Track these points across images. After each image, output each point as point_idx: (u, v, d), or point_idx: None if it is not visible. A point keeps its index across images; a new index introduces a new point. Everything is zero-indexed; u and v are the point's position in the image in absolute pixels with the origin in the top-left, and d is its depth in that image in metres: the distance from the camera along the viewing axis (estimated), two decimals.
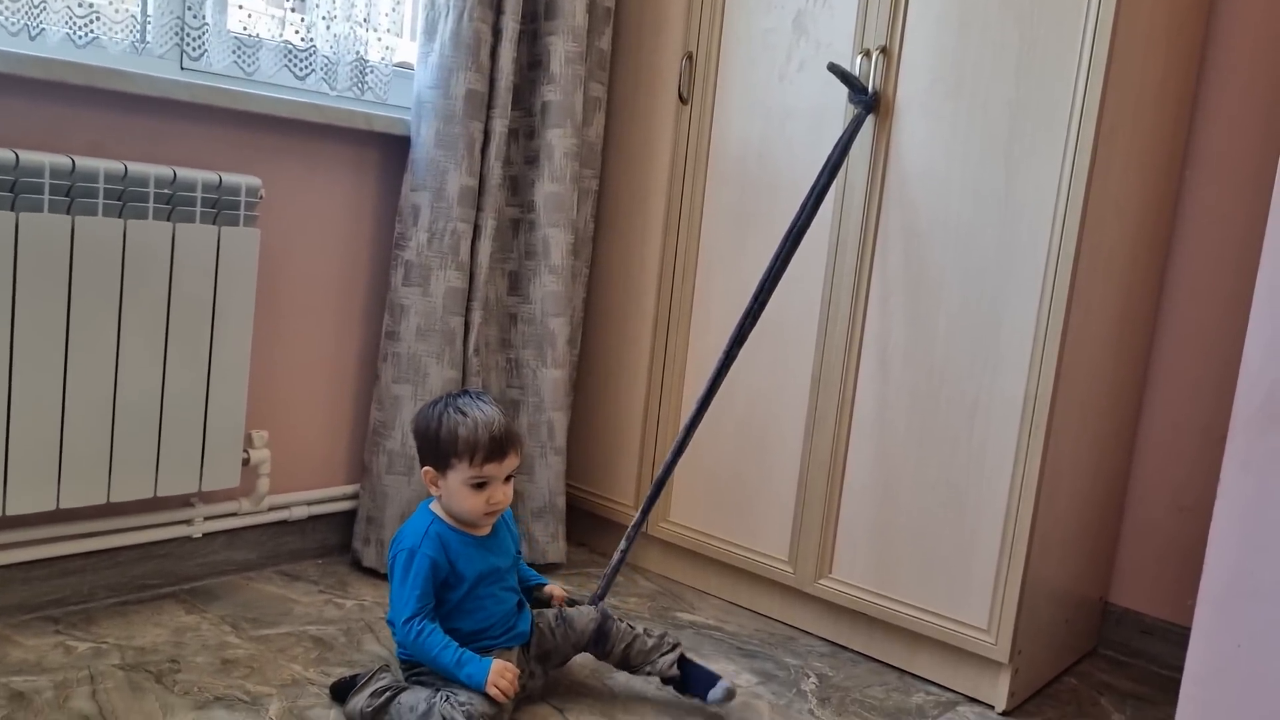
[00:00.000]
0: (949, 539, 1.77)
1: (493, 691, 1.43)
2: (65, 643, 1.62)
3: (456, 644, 1.46)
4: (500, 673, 1.44)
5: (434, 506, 1.56)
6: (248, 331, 1.78)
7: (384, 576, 2.02)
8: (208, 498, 1.89)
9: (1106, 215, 1.69)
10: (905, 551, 1.82)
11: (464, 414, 1.51)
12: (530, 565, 1.78)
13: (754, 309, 1.79)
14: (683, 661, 1.60)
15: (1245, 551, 1.37)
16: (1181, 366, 1.99)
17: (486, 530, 1.56)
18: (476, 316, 2.04)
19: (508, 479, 1.53)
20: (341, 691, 1.52)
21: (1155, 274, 1.97)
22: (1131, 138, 1.71)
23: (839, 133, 1.85)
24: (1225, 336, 1.92)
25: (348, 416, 2.09)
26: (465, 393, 1.57)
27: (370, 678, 1.50)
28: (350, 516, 2.11)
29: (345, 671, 1.60)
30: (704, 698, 1.57)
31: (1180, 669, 1.45)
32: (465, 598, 1.52)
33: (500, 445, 1.50)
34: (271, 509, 1.98)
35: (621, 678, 1.69)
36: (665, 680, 1.60)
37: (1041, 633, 1.81)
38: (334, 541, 2.11)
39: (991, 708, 1.75)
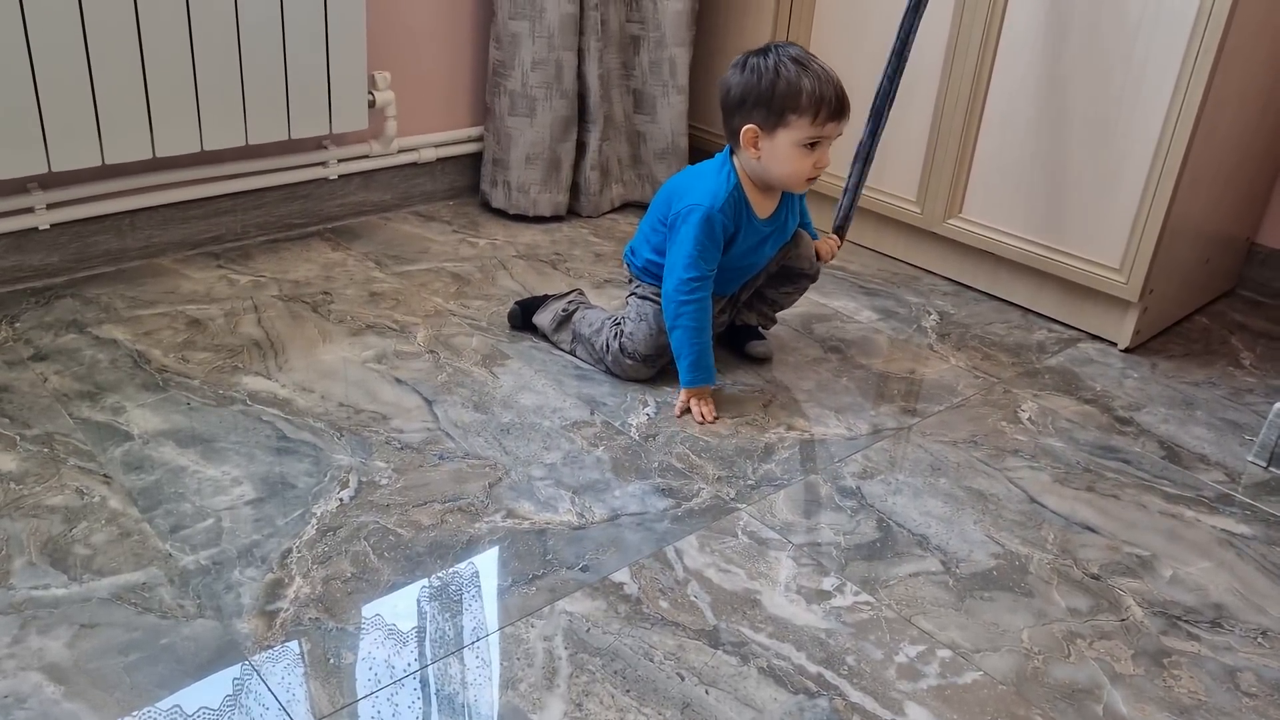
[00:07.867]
0: (1089, 175, 1.68)
1: (693, 414, 1.45)
2: (228, 276, 1.75)
3: (709, 341, 1.45)
4: (702, 410, 1.44)
5: (738, 161, 1.45)
6: None
7: (513, 218, 2.08)
8: (339, 140, 1.93)
9: None
10: (1041, 190, 1.75)
11: (803, 65, 1.36)
12: None
13: None
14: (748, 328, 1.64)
15: None
16: None
17: (801, 190, 1.46)
18: None
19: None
20: (528, 308, 1.62)
21: None
22: None
23: None
24: None
25: (467, 57, 2.05)
26: (784, 45, 1.39)
27: (561, 296, 1.61)
28: (477, 159, 2.14)
29: (484, 304, 1.70)
30: (742, 347, 1.62)
31: None
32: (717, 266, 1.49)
33: (845, 103, 1.39)
34: (401, 151, 2.02)
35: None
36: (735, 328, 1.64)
37: (1177, 272, 1.76)
38: (463, 184, 2.16)
39: (1114, 345, 1.75)
